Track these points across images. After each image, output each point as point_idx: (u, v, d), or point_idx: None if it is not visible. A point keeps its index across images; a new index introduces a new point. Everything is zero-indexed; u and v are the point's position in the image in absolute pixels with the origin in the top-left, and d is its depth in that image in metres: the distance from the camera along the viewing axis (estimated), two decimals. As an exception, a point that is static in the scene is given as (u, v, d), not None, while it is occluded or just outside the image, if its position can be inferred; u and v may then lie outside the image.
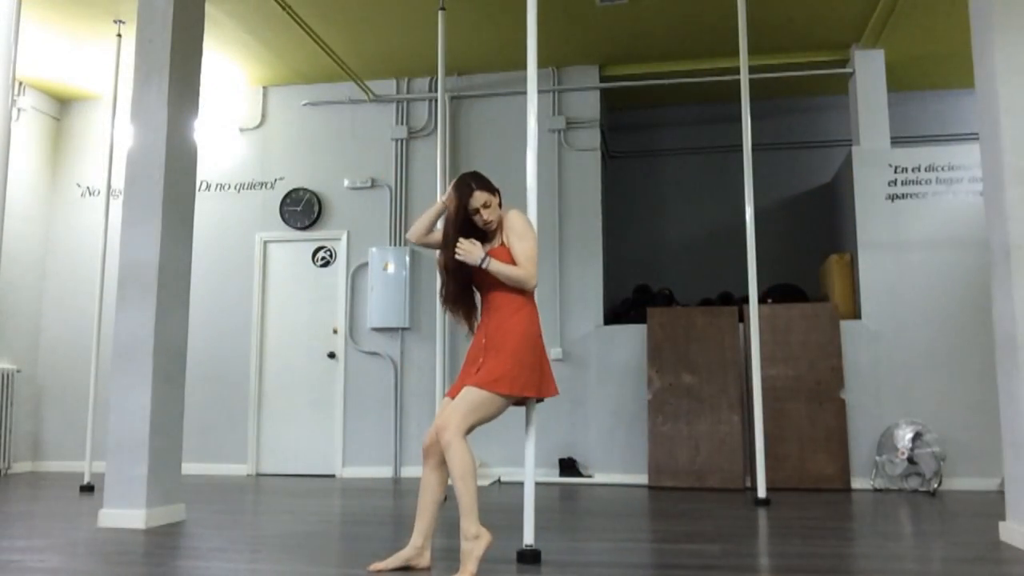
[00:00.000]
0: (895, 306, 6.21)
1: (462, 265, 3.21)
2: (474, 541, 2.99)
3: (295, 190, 7.31)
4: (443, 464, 3.11)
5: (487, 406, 3.08)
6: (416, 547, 3.14)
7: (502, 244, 3.28)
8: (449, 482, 3.14)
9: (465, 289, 3.32)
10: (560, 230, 6.89)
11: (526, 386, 3.13)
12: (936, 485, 5.70)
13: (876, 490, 5.87)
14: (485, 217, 3.25)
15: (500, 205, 3.31)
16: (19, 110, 7.32)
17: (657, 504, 5.23)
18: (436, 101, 7.06)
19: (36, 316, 7.55)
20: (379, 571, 3.08)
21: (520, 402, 3.26)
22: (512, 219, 3.29)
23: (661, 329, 6.41)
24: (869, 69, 6.64)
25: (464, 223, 3.25)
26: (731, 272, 6.85)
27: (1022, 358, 3.64)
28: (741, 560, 3.35)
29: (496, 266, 3.18)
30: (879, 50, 6.64)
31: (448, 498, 3.55)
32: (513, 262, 3.22)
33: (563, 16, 6.17)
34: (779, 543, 3.79)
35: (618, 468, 6.42)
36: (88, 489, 5.71)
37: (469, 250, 3.16)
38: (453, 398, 3.14)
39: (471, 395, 3.07)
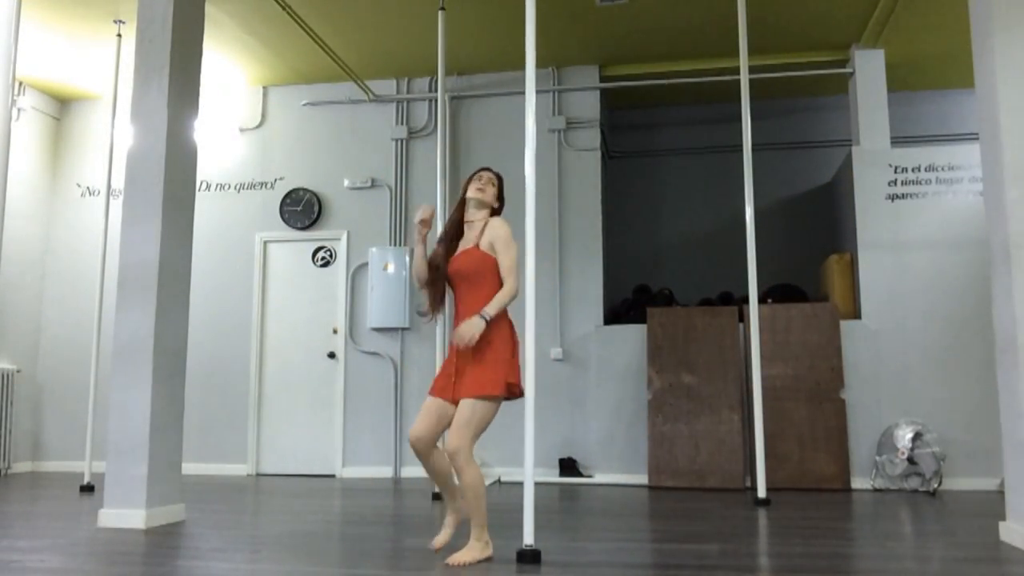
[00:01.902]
0: (895, 306, 6.21)
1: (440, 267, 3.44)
2: (483, 544, 3.25)
3: (295, 190, 7.31)
4: (435, 448, 3.33)
5: (485, 413, 3.22)
6: (455, 511, 3.47)
7: (477, 246, 3.37)
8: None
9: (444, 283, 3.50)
10: (560, 230, 6.89)
11: (508, 376, 3.27)
12: (936, 485, 5.70)
13: (876, 490, 5.87)
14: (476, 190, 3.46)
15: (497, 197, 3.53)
16: (19, 110, 7.32)
17: (657, 504, 5.23)
18: (436, 101, 7.07)
19: (36, 316, 7.55)
20: (440, 548, 3.37)
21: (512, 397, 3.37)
22: (498, 227, 3.38)
23: (661, 329, 6.41)
24: (869, 69, 6.64)
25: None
26: (731, 272, 6.85)
27: (1022, 358, 3.64)
28: (741, 560, 3.35)
29: (493, 310, 3.26)
30: (879, 50, 6.64)
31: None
32: (485, 266, 3.34)
33: (563, 16, 6.17)
34: (779, 543, 3.79)
35: (618, 468, 6.42)
36: (88, 489, 5.71)
37: (471, 334, 3.21)
38: (436, 396, 3.31)
39: (469, 408, 3.19)
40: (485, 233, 3.37)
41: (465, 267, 3.36)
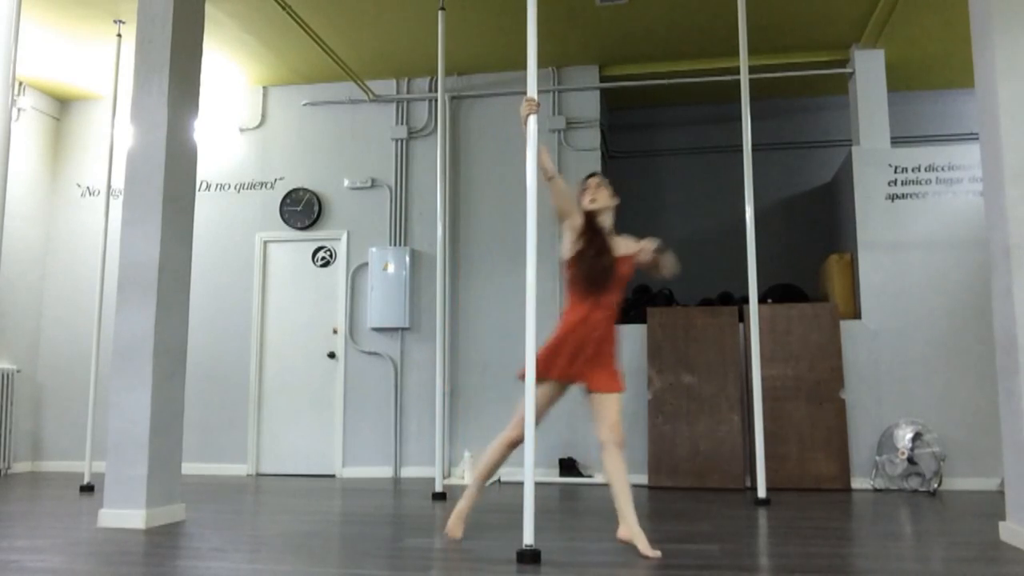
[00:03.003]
0: (895, 306, 6.21)
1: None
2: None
3: (295, 190, 7.31)
4: None
5: None
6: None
7: (630, 255, 3.71)
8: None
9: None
10: (560, 230, 6.87)
11: None
12: (936, 485, 5.70)
13: (876, 490, 5.87)
14: (592, 193, 3.73)
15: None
16: (19, 110, 7.33)
17: (657, 504, 5.23)
18: (436, 101, 7.07)
19: (36, 316, 7.55)
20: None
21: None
22: (629, 241, 3.80)
23: (661, 329, 6.41)
24: (869, 69, 6.64)
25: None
26: (731, 272, 6.85)
27: (1022, 358, 3.64)
28: (741, 560, 3.35)
29: (666, 256, 3.73)
30: (879, 50, 6.64)
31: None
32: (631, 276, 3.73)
33: (563, 16, 6.17)
34: (779, 543, 3.79)
35: (618, 468, 6.41)
36: (88, 489, 5.71)
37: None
38: (551, 378, 3.53)
39: (618, 403, 3.54)
40: (627, 246, 3.73)
41: (628, 275, 3.72)
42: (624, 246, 3.72)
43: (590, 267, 3.59)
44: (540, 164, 3.56)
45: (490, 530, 4.10)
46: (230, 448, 7.09)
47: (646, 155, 8.03)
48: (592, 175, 3.81)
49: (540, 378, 3.47)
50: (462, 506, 3.77)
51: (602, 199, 3.71)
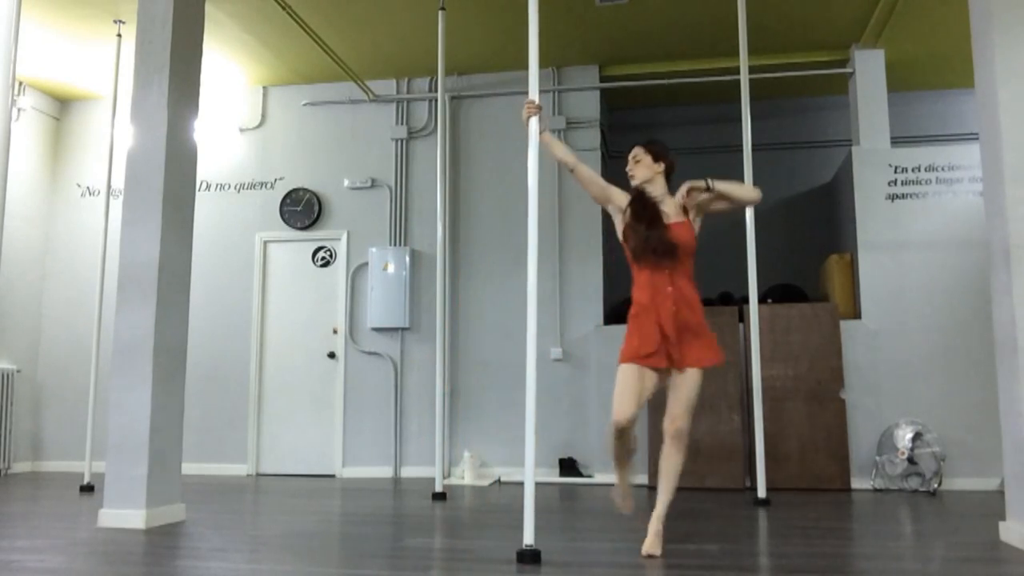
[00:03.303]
0: (895, 306, 6.21)
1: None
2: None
3: (295, 190, 7.31)
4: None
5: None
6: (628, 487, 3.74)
7: (687, 221, 3.48)
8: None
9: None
10: (560, 230, 6.89)
11: None
12: (936, 485, 5.70)
13: (876, 490, 5.87)
14: (629, 169, 3.58)
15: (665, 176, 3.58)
16: (19, 110, 7.33)
17: (657, 504, 5.22)
18: (436, 101, 7.07)
19: (36, 316, 7.55)
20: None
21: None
22: (678, 197, 3.52)
23: (661, 329, 6.40)
24: (869, 69, 6.65)
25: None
26: (731, 272, 6.84)
27: (1022, 359, 3.64)
28: (741, 560, 3.35)
29: (723, 184, 3.47)
30: (879, 50, 6.65)
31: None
32: (694, 239, 3.46)
33: (563, 16, 6.17)
34: (779, 543, 3.79)
35: (618, 468, 6.41)
36: (88, 489, 5.71)
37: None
38: (643, 365, 3.34)
39: (698, 382, 3.42)
40: (674, 205, 3.50)
41: (689, 238, 3.45)
42: (676, 209, 3.52)
43: (641, 240, 3.43)
44: (556, 158, 3.53)
45: (490, 530, 4.11)
46: (230, 448, 7.09)
47: (646, 155, 8.01)
48: (633, 146, 3.67)
49: (648, 367, 3.36)
50: (623, 486, 3.70)
51: (640, 173, 3.56)
